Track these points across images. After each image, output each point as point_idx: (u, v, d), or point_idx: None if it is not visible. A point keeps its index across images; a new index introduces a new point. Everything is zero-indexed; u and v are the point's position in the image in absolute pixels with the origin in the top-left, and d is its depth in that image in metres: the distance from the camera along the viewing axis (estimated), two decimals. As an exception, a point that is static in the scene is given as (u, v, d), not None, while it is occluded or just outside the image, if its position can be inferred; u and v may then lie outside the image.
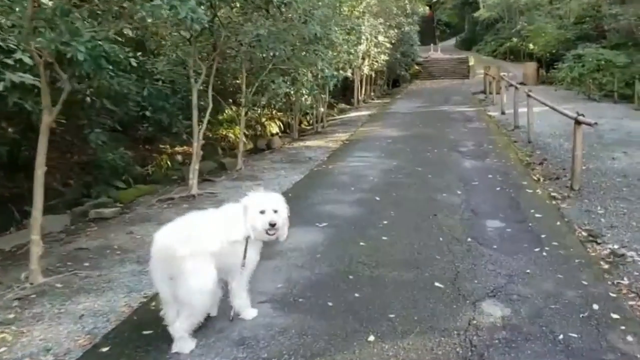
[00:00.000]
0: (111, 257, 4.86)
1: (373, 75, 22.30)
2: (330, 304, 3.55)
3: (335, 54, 11.87)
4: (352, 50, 13.48)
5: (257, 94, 9.40)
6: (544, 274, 4.05)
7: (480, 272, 4.10)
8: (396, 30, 21.66)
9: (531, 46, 34.16)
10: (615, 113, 14.18)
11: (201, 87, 7.79)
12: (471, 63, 34.18)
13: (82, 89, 6.55)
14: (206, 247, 2.92)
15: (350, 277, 4.04)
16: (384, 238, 4.96)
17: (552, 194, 6.83)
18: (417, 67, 33.17)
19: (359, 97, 21.12)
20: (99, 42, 4.11)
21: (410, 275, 4.04)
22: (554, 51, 26.81)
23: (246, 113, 9.33)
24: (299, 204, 6.16)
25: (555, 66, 20.58)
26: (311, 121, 14.80)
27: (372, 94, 23.74)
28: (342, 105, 20.84)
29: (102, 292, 4.00)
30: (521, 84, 22.59)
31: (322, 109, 13.84)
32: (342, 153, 10.18)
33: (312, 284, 3.93)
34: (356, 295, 3.69)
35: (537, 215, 5.73)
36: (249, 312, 3.36)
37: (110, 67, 4.96)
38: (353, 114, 17.80)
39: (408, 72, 29.24)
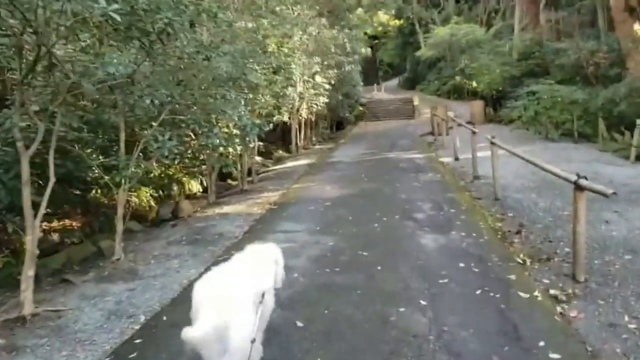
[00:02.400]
0: None
1: (313, 118, 20.34)
2: None
3: (258, 97, 9.69)
4: (281, 93, 11.35)
5: (145, 154, 6.97)
6: None
7: None
8: (336, 70, 19.93)
9: (474, 84, 33.79)
10: (581, 156, 12.68)
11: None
12: (416, 103, 33.27)
13: None
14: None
15: None
16: None
17: (551, 291, 4.73)
18: (361, 108, 31.81)
19: (299, 143, 19.02)
20: None
21: None
22: (500, 88, 26.10)
23: (127, 182, 6.82)
24: (175, 337, 3.74)
25: (508, 105, 19.36)
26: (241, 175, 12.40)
27: (314, 138, 21.75)
28: (280, 153, 18.65)
29: None
30: (468, 122, 21.36)
31: (247, 162, 11.48)
32: (266, 225, 7.81)
33: None
34: None
35: (548, 350, 3.54)
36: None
37: None
38: (290, 164, 15.58)
39: (352, 114, 27.63)
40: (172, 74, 6.98)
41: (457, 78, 37.00)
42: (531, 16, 29.31)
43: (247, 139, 8.51)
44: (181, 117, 7.28)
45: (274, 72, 11.33)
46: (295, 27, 12.22)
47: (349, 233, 6.78)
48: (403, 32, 53.01)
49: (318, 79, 17.45)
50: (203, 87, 7.46)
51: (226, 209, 9.36)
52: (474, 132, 10.79)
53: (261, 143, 14.30)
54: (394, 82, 56.05)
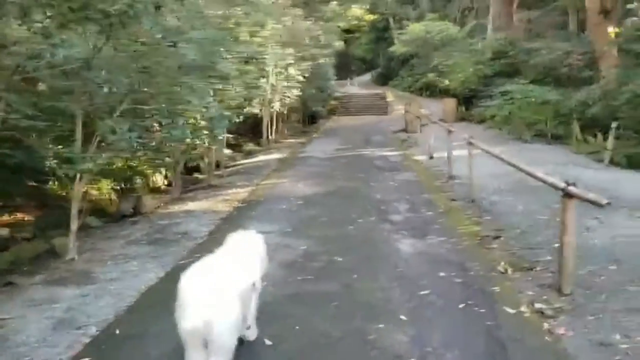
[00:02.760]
0: None
1: (285, 111, 19.84)
2: None
3: (228, 88, 9.17)
4: (253, 84, 10.84)
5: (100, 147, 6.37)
6: None
7: None
8: (310, 63, 19.47)
9: (446, 82, 33.87)
10: (556, 157, 12.63)
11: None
12: (389, 99, 33.10)
13: None
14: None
15: None
16: None
17: (537, 304, 4.46)
18: (334, 103, 31.42)
19: (270, 137, 18.51)
20: None
21: None
22: (472, 87, 26.14)
23: (81, 177, 6.23)
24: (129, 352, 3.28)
25: (481, 104, 19.29)
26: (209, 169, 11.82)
27: (286, 132, 21.26)
28: (251, 147, 18.09)
29: None
30: (441, 120, 21.27)
31: (216, 156, 10.95)
32: (233, 225, 7.30)
33: None
34: None
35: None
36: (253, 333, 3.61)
37: None
38: (261, 158, 15.09)
39: (325, 108, 27.22)
40: (135, 60, 6.41)
41: (430, 75, 37.00)
42: (505, 15, 29.46)
43: (215, 131, 7.99)
44: (144, 107, 6.73)
45: (246, 62, 10.81)
46: (268, 16, 11.69)
47: (323, 236, 6.39)
48: (377, 28, 52.79)
49: (291, 70, 16.96)
50: (169, 76, 6.91)
51: (191, 205, 8.84)
52: (449, 131, 10.56)
53: (231, 135, 13.75)
54: (367, 77, 55.80)
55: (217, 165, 12.46)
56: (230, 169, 13.52)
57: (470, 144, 8.33)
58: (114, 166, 10.97)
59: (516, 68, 25.78)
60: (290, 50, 16.13)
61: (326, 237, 6.32)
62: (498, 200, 8.41)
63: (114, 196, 11.37)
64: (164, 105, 6.47)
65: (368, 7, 52.17)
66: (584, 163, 12.15)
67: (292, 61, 16.70)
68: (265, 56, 11.05)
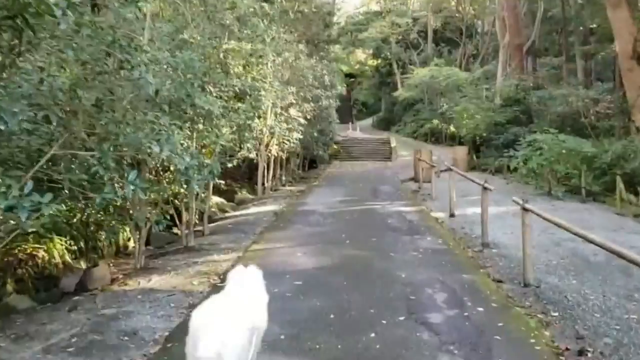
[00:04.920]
0: None
1: (284, 156, 17.96)
2: None
3: (210, 130, 7.25)
4: (245, 124, 8.93)
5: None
6: None
7: None
8: (312, 104, 17.76)
9: (452, 128, 32.34)
10: (600, 220, 10.65)
11: None
12: (393, 144, 31.47)
13: None
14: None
15: None
16: None
17: None
18: (335, 147, 29.74)
19: (266, 184, 16.54)
20: None
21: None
22: (483, 134, 24.55)
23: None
24: None
25: (506, 153, 17.43)
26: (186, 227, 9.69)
27: (284, 178, 19.31)
28: (244, 194, 16.09)
29: None
30: (449, 169, 19.41)
31: (196, 210, 8.89)
32: (205, 319, 5.23)
33: None
34: None
35: None
36: None
37: None
38: (253, 210, 13.04)
39: (326, 152, 25.44)
40: (71, 90, 4.51)
41: (435, 121, 35.61)
42: (516, 62, 28.22)
43: (191, 185, 6.02)
44: (81, 153, 4.77)
45: (239, 99, 8.95)
46: (268, 47, 9.94)
47: (331, 354, 4.27)
48: (380, 72, 52.10)
49: (292, 112, 15.19)
50: (121, 111, 5.00)
51: (155, 280, 6.71)
52: (485, 188, 8.58)
53: (222, 182, 11.75)
54: (368, 121, 54.86)
55: (201, 218, 10.43)
56: (217, 223, 11.46)
57: (525, 210, 6.31)
58: (74, 220, 9.02)
59: (528, 116, 24.31)
60: (292, 89, 14.39)
61: (335, 358, 4.20)
62: (557, 284, 6.35)
63: (68, 258, 9.30)
64: (106, 151, 4.49)
65: (372, 51, 51.68)
66: (636, 228, 10.16)
67: (294, 101, 14.96)
68: (262, 93, 9.20)
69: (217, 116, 6.81)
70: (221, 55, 8.07)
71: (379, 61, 51.06)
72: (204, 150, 7.47)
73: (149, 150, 4.81)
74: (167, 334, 4.90)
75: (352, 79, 57.81)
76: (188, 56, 6.13)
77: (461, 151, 23.35)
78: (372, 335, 4.56)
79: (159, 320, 5.25)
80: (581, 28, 27.72)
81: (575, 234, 5.28)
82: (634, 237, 8.93)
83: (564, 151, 13.44)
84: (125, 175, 4.69)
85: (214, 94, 6.93)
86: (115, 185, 4.88)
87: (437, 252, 7.83)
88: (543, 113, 22.28)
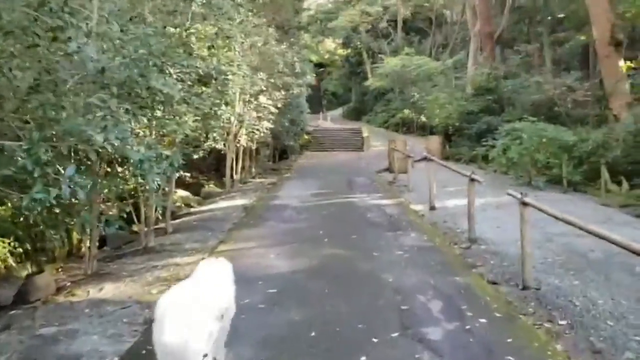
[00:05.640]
0: None
1: (254, 147, 17.06)
2: None
3: (170, 117, 6.36)
4: (211, 112, 8.05)
5: None
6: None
7: None
8: (283, 92, 16.89)
9: (423, 118, 31.97)
10: (585, 211, 10.22)
11: None
12: (364, 134, 30.88)
13: None
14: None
15: None
16: None
17: None
18: (306, 137, 28.93)
19: (235, 176, 15.64)
20: None
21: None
22: (455, 124, 24.21)
23: None
24: None
25: (484, 141, 17.00)
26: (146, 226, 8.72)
27: (254, 170, 18.41)
28: (211, 187, 15.17)
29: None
30: (424, 159, 18.94)
31: (158, 205, 7.97)
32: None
33: None
34: None
35: None
36: None
37: None
38: (222, 205, 12.16)
39: (297, 143, 24.61)
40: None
41: (406, 111, 35.16)
42: (488, 50, 27.96)
43: (147, 178, 5.15)
44: (8, 143, 3.86)
45: (204, 84, 8.05)
46: (235, 28, 9.04)
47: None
48: (350, 62, 51.30)
49: (262, 99, 14.30)
50: (58, 93, 4.10)
51: (108, 289, 5.83)
52: (472, 180, 7.99)
53: (187, 174, 10.84)
54: (338, 111, 54.13)
55: (163, 214, 9.52)
56: (181, 219, 10.56)
57: (524, 204, 5.72)
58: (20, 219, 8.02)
59: (501, 105, 24.09)
60: (262, 75, 13.50)
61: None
62: (559, 285, 5.80)
63: (13, 262, 8.29)
64: (36, 139, 3.60)
65: (341, 41, 50.82)
66: (625, 220, 9.79)
67: (264, 88, 14.06)
68: (229, 77, 8.32)
69: (177, 101, 5.93)
70: (184, 35, 7.15)
71: (349, 51, 50.28)
72: (165, 140, 6.55)
73: (91, 140, 3.93)
74: (116, 359, 4.07)
75: (322, 69, 56.90)
76: (143, 31, 5.25)
77: (434, 141, 22.93)
78: (363, 358, 3.84)
79: (109, 342, 4.41)
80: (549, 18, 27.72)
81: (594, 234, 4.68)
82: (627, 230, 8.52)
83: (544, 140, 13.02)
84: (61, 170, 3.82)
85: (174, 76, 6.04)
86: (51, 182, 3.99)
87: (423, 250, 7.19)
88: (515, 102, 22.09)
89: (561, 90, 15.75)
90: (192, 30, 6.94)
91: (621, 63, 15.01)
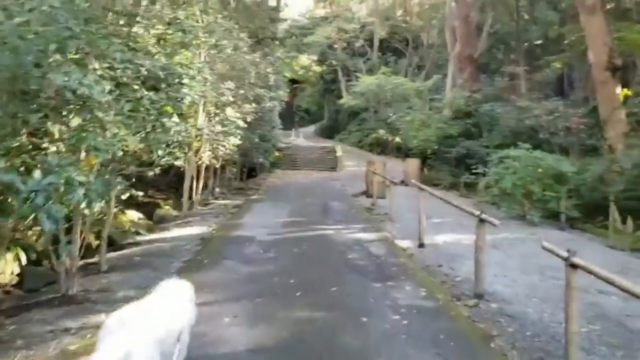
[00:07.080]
0: None
1: (218, 164, 15.27)
2: None
3: (91, 127, 4.61)
4: (160, 122, 6.32)
5: None
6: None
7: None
8: (254, 105, 15.24)
9: (398, 139, 30.86)
10: (594, 254, 8.88)
11: None
12: (339, 154, 29.47)
13: None
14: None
15: None
16: None
17: None
18: (278, 154, 27.27)
19: (194, 196, 13.82)
20: None
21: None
22: (434, 147, 23.13)
23: None
24: None
25: (474, 170, 15.72)
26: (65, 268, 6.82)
27: (217, 190, 16.58)
28: (166, 209, 13.28)
29: None
30: (402, 182, 17.59)
31: (86, 236, 6.12)
32: None
33: None
34: None
35: None
36: None
37: None
38: (174, 233, 10.32)
39: (268, 160, 22.89)
40: None
41: (381, 131, 34.02)
42: (467, 73, 27.16)
43: (43, 216, 3.41)
44: None
45: (152, 87, 6.32)
46: (198, 23, 7.38)
47: None
48: (324, 79, 50.23)
49: (230, 112, 12.61)
50: None
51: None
52: (482, 221, 6.47)
53: (140, 193, 8.98)
54: (311, 129, 52.97)
55: (97, 248, 7.68)
56: (122, 252, 8.68)
57: (572, 266, 4.21)
58: None
59: (480, 129, 23.24)
60: (230, 85, 11.83)
61: None
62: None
63: None
64: None
65: (317, 57, 49.66)
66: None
67: (232, 99, 12.38)
68: (185, 81, 6.63)
69: (101, 106, 4.23)
70: (120, 19, 5.44)
71: (324, 68, 49.18)
72: (83, 158, 4.76)
73: None
74: None
75: (295, 85, 55.60)
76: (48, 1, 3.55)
77: (413, 164, 21.62)
78: None
79: None
80: (526, 44, 27.28)
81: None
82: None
83: (540, 170, 11.77)
84: None
85: (99, 72, 4.33)
86: None
87: (425, 314, 5.59)
88: (494, 127, 21.24)
89: (553, 116, 14.63)
90: (134, 13, 5.23)
91: (618, 90, 14.05)
